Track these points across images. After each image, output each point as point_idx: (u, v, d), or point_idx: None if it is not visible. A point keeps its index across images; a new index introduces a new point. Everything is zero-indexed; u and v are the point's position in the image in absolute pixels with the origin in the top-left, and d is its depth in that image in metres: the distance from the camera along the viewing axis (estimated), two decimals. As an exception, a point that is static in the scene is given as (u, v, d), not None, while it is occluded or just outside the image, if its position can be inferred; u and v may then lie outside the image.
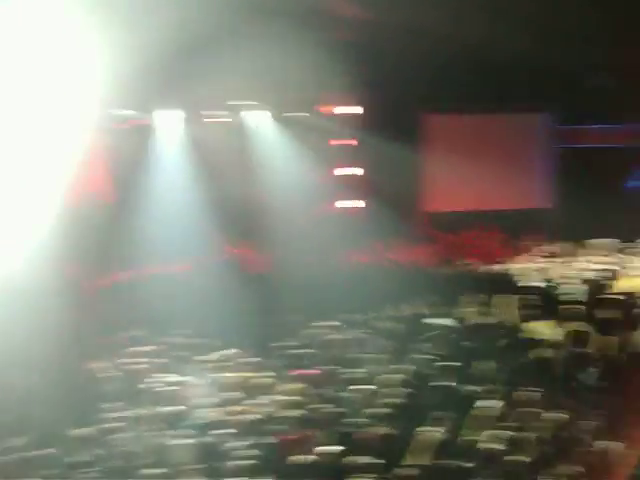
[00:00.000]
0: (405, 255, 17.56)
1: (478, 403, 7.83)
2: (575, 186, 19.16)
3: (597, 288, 13.09)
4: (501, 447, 6.57)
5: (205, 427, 7.36)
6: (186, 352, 10.30)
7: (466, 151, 19.89)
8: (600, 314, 11.41)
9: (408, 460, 6.63)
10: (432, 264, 16.36)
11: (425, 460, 6.55)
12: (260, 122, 17.91)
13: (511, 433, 7.00)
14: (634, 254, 16.17)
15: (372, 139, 19.28)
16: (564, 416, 7.15)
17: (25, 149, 13.07)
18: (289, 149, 17.82)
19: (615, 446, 6.67)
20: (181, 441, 7.28)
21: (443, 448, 6.68)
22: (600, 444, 6.90)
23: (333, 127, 19.21)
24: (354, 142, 20.05)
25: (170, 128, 17.09)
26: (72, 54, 12.69)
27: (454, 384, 8.64)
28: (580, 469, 6.30)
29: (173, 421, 7.74)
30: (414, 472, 6.35)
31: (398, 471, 6.36)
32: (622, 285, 13.44)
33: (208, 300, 12.18)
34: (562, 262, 15.72)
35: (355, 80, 18.37)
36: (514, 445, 6.74)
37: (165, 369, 9.68)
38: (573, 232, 18.71)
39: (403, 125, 19.49)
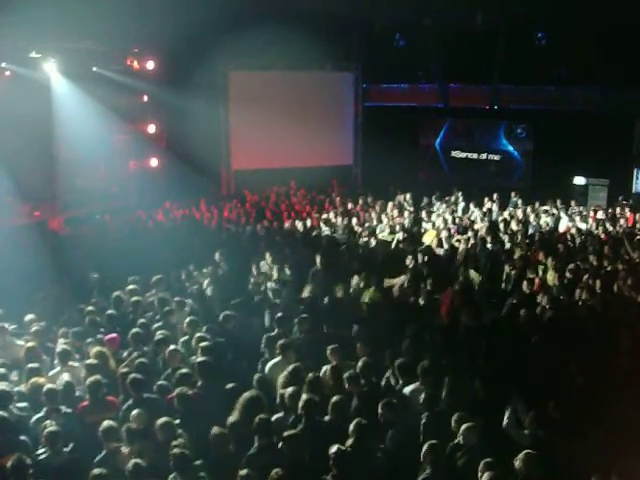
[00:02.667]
0: (208, 213, 17.12)
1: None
2: (377, 143, 19.63)
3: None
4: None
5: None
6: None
7: (272, 108, 19.72)
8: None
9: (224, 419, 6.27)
10: (236, 222, 16.01)
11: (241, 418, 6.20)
12: (51, 75, 16.39)
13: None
14: (428, 209, 16.82)
15: (169, 95, 18.49)
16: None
17: None
18: (80, 104, 16.52)
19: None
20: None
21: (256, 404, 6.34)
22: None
23: (127, 82, 18.16)
24: (148, 98, 19.18)
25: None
26: None
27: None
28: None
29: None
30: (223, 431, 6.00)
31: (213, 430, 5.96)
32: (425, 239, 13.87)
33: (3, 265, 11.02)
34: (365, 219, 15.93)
35: (153, 34, 17.47)
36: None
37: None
38: (375, 188, 19.19)
39: (205, 81, 18.90)
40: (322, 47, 18.17)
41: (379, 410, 6.25)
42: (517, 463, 5.42)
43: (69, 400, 6.84)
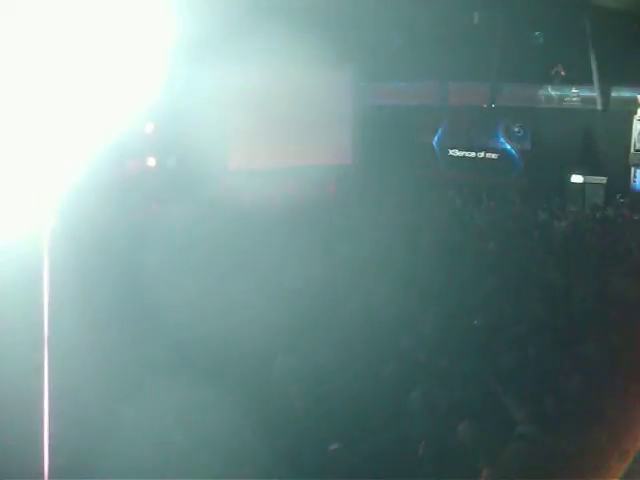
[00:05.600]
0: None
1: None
2: (375, 142, 19.64)
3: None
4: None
5: None
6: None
7: (268, 108, 19.70)
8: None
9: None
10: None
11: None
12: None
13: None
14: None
15: (166, 95, 18.45)
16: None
17: None
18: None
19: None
20: None
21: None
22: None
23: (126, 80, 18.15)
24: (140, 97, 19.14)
25: None
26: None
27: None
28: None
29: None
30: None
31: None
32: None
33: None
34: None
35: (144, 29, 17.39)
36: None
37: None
38: (373, 188, 19.17)
39: (201, 81, 18.85)
40: (320, 46, 18.14)
41: None
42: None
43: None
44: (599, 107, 18.06)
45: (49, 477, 5.34)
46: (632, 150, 18.13)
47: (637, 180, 18.16)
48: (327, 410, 6.38)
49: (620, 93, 17.89)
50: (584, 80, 18.08)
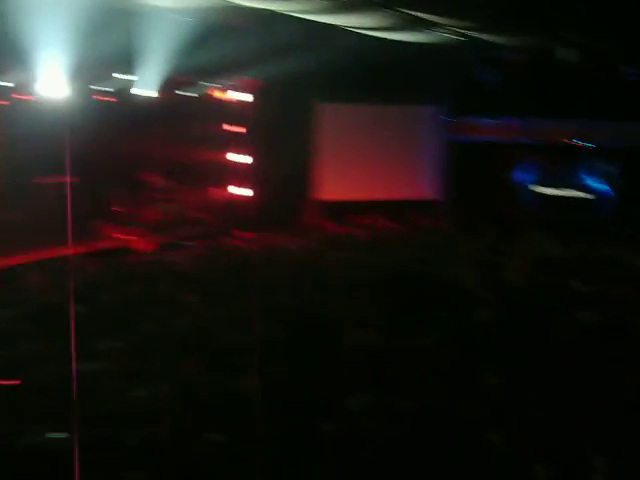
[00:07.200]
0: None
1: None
2: (466, 178, 19.65)
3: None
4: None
5: None
6: None
7: (359, 141, 20.21)
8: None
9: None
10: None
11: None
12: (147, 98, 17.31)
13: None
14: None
15: (264, 127, 19.28)
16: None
17: None
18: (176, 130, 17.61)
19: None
20: None
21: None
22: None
23: (225, 113, 19.24)
24: (245, 129, 20.00)
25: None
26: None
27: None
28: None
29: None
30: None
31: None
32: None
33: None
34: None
35: (249, 67, 18.27)
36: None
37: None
38: (463, 223, 19.13)
39: (296, 114, 19.54)
40: (408, 81, 18.44)
41: None
42: None
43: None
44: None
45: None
46: None
47: None
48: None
49: None
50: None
